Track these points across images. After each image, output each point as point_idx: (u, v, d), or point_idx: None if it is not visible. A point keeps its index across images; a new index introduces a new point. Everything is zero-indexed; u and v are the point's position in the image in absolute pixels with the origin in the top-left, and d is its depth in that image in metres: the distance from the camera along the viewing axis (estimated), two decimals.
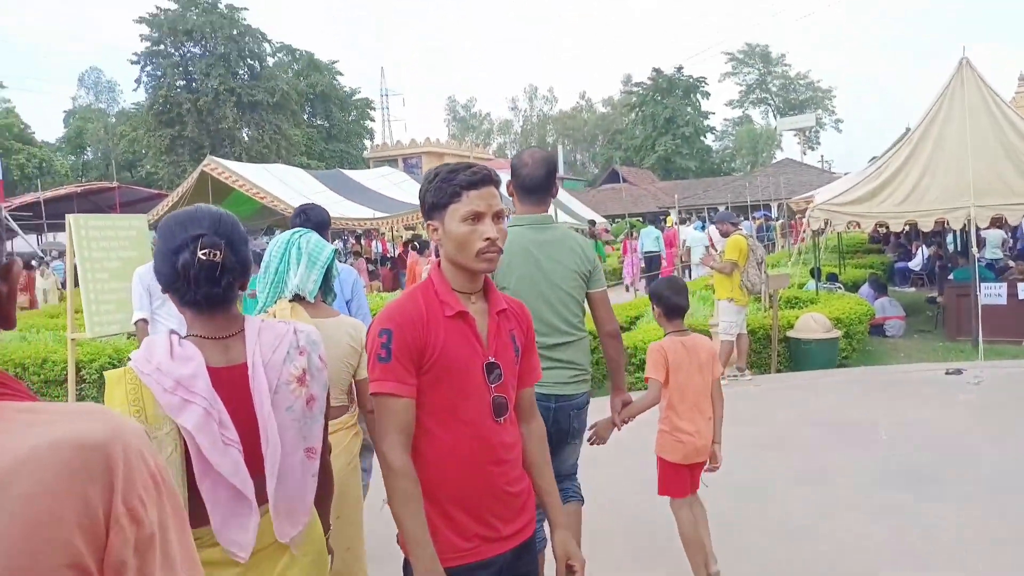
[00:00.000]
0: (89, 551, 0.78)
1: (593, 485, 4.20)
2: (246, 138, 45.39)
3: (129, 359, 1.65)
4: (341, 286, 3.86)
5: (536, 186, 3.05)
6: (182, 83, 44.24)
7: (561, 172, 62.67)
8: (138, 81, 44.39)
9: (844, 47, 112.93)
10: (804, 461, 5.23)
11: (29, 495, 0.75)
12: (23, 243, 25.32)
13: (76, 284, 6.07)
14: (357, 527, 2.84)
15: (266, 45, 47.65)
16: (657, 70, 57.69)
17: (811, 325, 8.24)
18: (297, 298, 2.72)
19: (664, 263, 17.54)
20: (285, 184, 15.15)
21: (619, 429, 3.27)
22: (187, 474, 1.59)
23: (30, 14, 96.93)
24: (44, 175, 43.85)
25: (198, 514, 1.59)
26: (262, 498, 1.67)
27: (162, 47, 43.69)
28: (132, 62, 43.77)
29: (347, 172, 19.07)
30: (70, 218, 5.91)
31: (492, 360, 1.90)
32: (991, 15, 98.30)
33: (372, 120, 59.70)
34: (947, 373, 7.45)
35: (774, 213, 31.21)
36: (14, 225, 26.14)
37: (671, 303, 3.47)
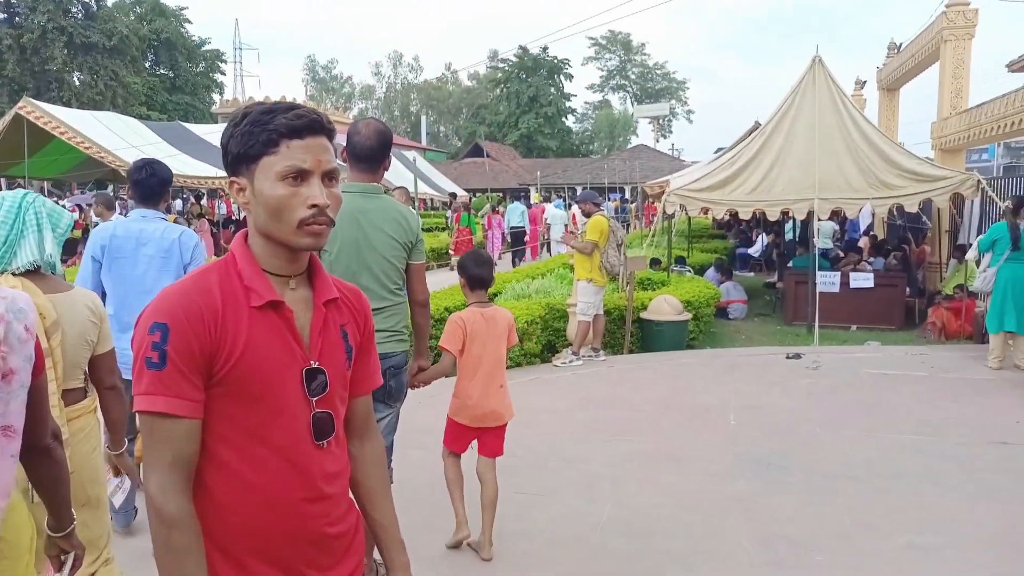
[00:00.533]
0: None
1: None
2: (77, 83, 41.36)
3: None
4: (181, 251, 3.67)
5: (368, 155, 3.07)
6: (2, 16, 39.57)
7: (424, 143, 61.94)
8: None
9: (699, 42, 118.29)
10: (658, 446, 5.16)
11: None
12: None
13: None
14: (104, 516, 2.59)
15: None
16: (523, 48, 57.82)
17: (664, 307, 8.31)
18: (28, 272, 2.35)
19: (528, 238, 17.82)
20: (115, 134, 13.64)
21: (412, 389, 3.38)
22: None
23: None
24: None
25: None
26: None
27: None
28: None
29: (188, 125, 17.53)
30: None
31: (315, 365, 1.44)
32: (836, 26, 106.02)
33: (223, 73, 56.23)
34: (788, 357, 7.72)
35: (627, 196, 32.15)
36: None
37: (473, 275, 3.60)
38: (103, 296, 3.72)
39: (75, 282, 3.69)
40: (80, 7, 41.56)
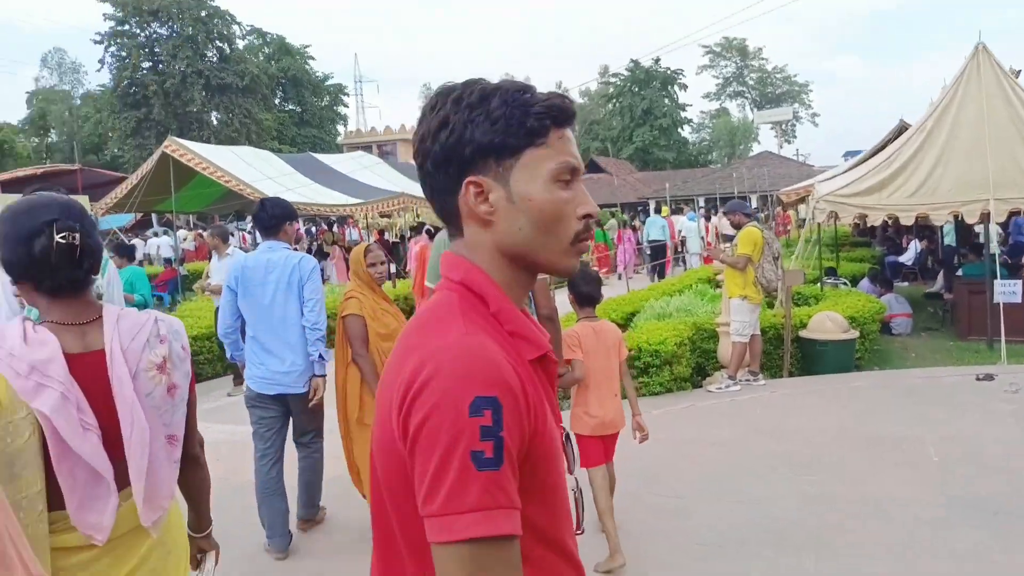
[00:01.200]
0: None
1: None
2: (215, 122, 44.03)
3: None
4: (300, 273, 3.92)
5: None
6: (148, 64, 42.69)
7: None
8: (101, 62, 42.71)
9: (818, 44, 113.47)
10: (851, 486, 4.53)
11: None
12: None
13: None
14: None
15: (235, 27, 46.13)
16: (635, 61, 57.05)
17: (827, 325, 7.57)
18: None
19: (668, 252, 17.51)
20: (251, 167, 14.13)
21: None
22: (44, 458, 1.59)
23: None
24: (5, 156, 42.25)
25: (55, 498, 1.60)
26: (122, 483, 1.68)
27: (127, 27, 42.05)
28: (95, 42, 42.06)
29: (318, 156, 18.05)
30: None
31: (567, 429, 1.07)
32: (966, 18, 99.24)
33: (346, 106, 58.51)
34: (978, 379, 6.82)
35: (754, 205, 30.80)
36: None
37: (582, 292, 3.83)
38: (241, 321, 4.04)
39: (218, 309, 4.10)
40: (215, 51, 44.28)
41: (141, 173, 14.14)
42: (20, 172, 26.67)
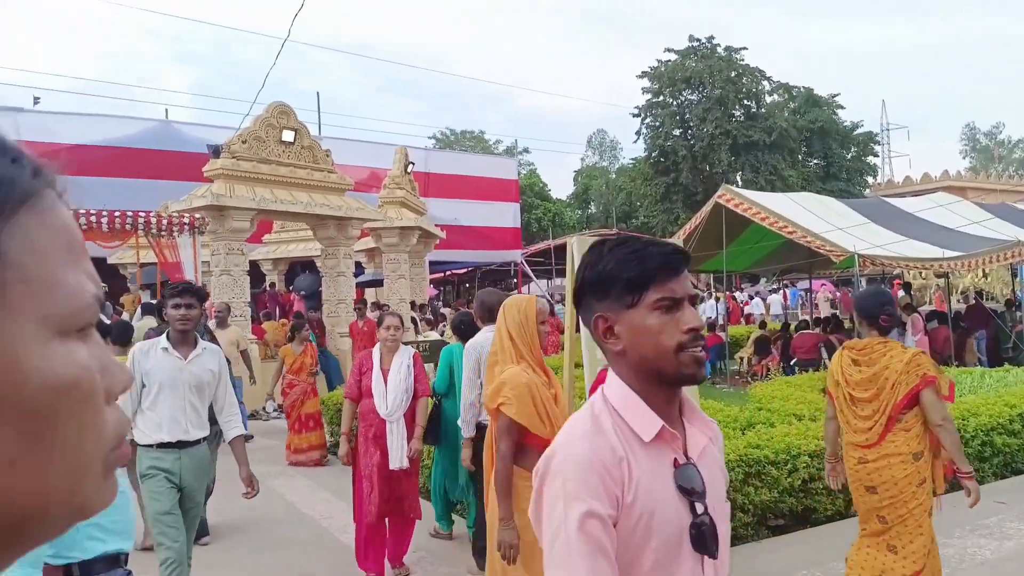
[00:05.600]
0: None
1: None
2: (740, 181, 43.45)
3: None
4: None
5: None
6: (678, 131, 44.33)
7: None
8: (638, 133, 45.72)
9: None
10: None
11: None
12: (536, 287, 26.77)
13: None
14: None
15: (764, 83, 45.33)
16: None
17: None
18: None
19: None
20: (815, 215, 11.82)
21: None
22: None
23: (551, 86, 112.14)
24: (555, 227, 48.23)
25: None
26: None
27: (661, 98, 44.39)
28: (633, 115, 45.29)
29: (890, 200, 14.93)
30: (572, 239, 3.71)
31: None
32: None
33: (875, 155, 53.06)
34: None
35: None
36: (527, 269, 27.88)
37: None
38: None
39: None
40: (742, 110, 43.92)
41: (692, 226, 12.96)
42: (567, 239, 29.36)
